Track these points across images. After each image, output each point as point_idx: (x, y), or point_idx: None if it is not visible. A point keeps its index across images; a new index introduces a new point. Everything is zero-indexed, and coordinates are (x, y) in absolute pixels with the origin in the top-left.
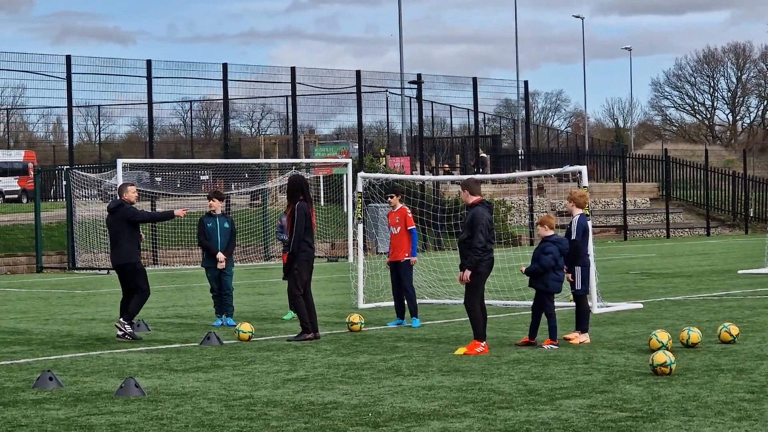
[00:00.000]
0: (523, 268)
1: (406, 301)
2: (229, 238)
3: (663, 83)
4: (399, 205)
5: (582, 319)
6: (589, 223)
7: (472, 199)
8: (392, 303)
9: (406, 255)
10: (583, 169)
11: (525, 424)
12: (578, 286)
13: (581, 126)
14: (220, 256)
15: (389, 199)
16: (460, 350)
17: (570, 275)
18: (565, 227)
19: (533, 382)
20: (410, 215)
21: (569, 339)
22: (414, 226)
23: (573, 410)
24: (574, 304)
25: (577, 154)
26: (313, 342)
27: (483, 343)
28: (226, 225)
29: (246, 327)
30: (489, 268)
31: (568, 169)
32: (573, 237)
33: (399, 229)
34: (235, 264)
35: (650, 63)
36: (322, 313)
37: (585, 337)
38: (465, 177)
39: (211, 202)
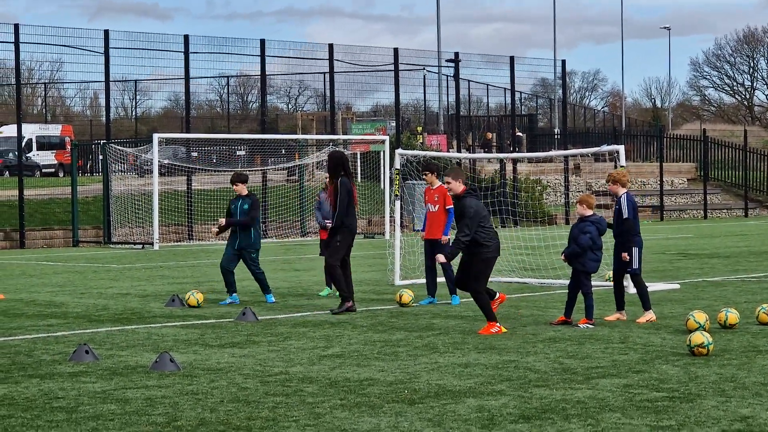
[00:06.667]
0: (564, 256)
1: (445, 279)
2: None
3: (702, 63)
4: (437, 183)
5: (645, 297)
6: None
7: (461, 188)
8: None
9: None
10: (621, 148)
11: (561, 402)
12: (635, 265)
13: (618, 106)
14: (213, 229)
15: (424, 176)
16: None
17: (626, 255)
18: (605, 207)
19: (569, 361)
20: (450, 194)
21: (639, 321)
22: (452, 206)
23: (609, 389)
24: (611, 283)
25: (614, 133)
26: (348, 318)
27: (498, 324)
28: (246, 206)
29: (195, 298)
30: (497, 252)
31: (605, 148)
32: (625, 215)
33: (437, 207)
34: (260, 246)
35: (689, 43)
36: (358, 289)
37: (651, 315)
38: (501, 155)
39: (235, 186)
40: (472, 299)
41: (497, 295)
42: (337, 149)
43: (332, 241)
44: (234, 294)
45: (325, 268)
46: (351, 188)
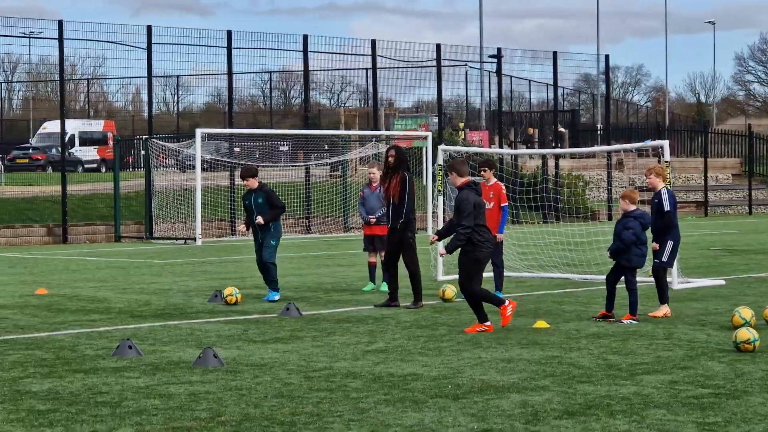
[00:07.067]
0: (609, 253)
1: (492, 275)
2: (265, 210)
3: (747, 58)
4: (493, 180)
5: (663, 292)
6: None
7: (461, 180)
8: None
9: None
10: (665, 143)
11: (605, 398)
12: (664, 258)
13: (662, 101)
14: (241, 228)
15: (482, 172)
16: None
17: (657, 245)
18: (647, 203)
19: (613, 357)
20: (504, 192)
21: (655, 316)
22: (507, 204)
23: (654, 386)
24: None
25: (657, 129)
26: (392, 314)
27: (487, 324)
28: (260, 200)
29: (229, 291)
30: (488, 256)
31: (649, 143)
32: (666, 209)
33: (492, 204)
34: (282, 235)
35: (734, 37)
36: (401, 284)
37: (666, 309)
38: (543, 151)
39: (246, 182)
40: (513, 294)
41: (507, 301)
42: (397, 144)
43: (405, 237)
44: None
45: (407, 266)
46: (413, 183)
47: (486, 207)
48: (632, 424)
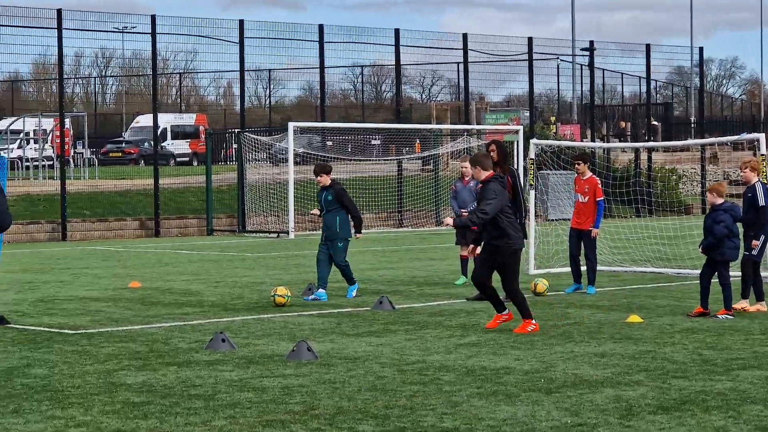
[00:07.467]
0: (701, 249)
1: (585, 269)
2: (335, 208)
3: None
4: (588, 174)
5: (748, 286)
6: None
7: (485, 174)
8: (563, 269)
9: (591, 225)
10: (761, 136)
11: (700, 394)
12: (754, 252)
13: (757, 93)
14: (315, 211)
15: (577, 165)
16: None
17: (756, 242)
18: (738, 196)
19: (708, 352)
20: (600, 186)
21: (746, 309)
22: (602, 198)
23: (750, 381)
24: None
25: (752, 121)
26: (484, 307)
27: (534, 322)
28: (329, 198)
29: (281, 291)
30: (522, 243)
31: (745, 136)
32: (761, 204)
33: (587, 198)
34: (351, 235)
35: None
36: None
37: (745, 303)
38: (636, 144)
39: (319, 178)
40: (606, 288)
41: (507, 310)
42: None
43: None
44: (321, 291)
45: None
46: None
47: (580, 200)
48: (728, 420)
